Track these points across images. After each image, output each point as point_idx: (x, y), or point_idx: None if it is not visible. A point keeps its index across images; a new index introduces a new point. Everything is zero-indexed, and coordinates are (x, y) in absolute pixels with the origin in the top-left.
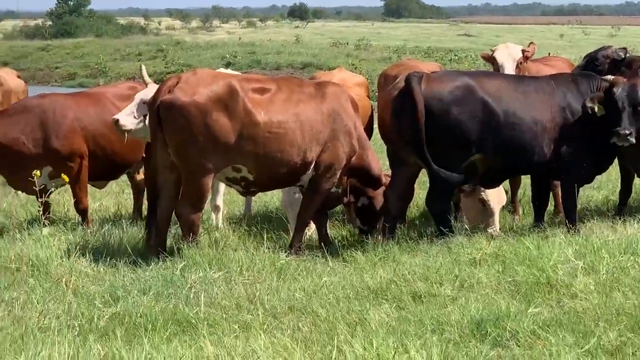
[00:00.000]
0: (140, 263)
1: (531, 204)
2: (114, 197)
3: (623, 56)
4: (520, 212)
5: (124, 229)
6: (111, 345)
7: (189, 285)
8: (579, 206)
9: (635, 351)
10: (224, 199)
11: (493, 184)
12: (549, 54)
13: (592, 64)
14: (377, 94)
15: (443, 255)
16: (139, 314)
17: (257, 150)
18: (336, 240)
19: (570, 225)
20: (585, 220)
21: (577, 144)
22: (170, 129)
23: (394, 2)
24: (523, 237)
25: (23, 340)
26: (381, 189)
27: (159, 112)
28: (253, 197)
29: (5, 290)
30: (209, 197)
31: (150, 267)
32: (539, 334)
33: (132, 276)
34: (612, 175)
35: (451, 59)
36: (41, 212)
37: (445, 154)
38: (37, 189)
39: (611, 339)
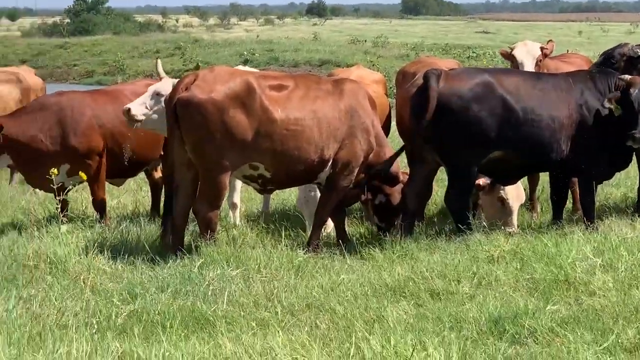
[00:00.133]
0: (158, 260)
1: (549, 201)
2: (132, 194)
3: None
4: (539, 209)
5: (142, 227)
6: (129, 343)
7: (206, 283)
8: (597, 203)
9: None
10: (241, 197)
11: (511, 181)
12: (567, 50)
13: (609, 62)
14: (394, 91)
15: (461, 253)
16: (156, 312)
17: (275, 147)
18: (354, 238)
19: (589, 223)
20: (604, 218)
21: (594, 141)
22: (187, 127)
23: None
24: (541, 234)
25: (41, 338)
26: (399, 186)
27: (176, 109)
28: (271, 195)
29: (23, 287)
30: (227, 194)
31: (168, 264)
32: (557, 331)
33: (149, 273)
34: (630, 172)
35: (469, 56)
36: (59, 210)
37: (465, 151)
38: (55, 186)
39: (630, 337)
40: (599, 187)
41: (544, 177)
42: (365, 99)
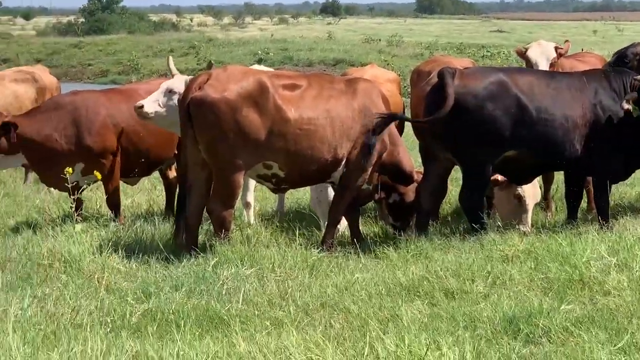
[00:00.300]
0: (172, 259)
1: (564, 200)
2: (146, 193)
3: None
4: (553, 208)
5: (156, 226)
6: (143, 342)
7: (221, 282)
8: (612, 202)
9: None
10: (255, 196)
11: (525, 180)
12: (582, 49)
13: (622, 61)
14: (409, 90)
15: (475, 252)
16: (171, 311)
17: (288, 146)
18: (368, 237)
19: (603, 222)
20: (619, 217)
21: (608, 140)
22: (201, 126)
23: None
24: (556, 233)
25: (56, 336)
26: (413, 185)
27: (189, 108)
28: (285, 194)
29: (38, 286)
30: (240, 193)
31: (182, 263)
32: (572, 331)
33: (164, 272)
34: None
35: (484, 55)
36: (73, 209)
37: (479, 150)
38: (69, 185)
39: None
40: (614, 186)
41: (559, 176)
42: (379, 98)
